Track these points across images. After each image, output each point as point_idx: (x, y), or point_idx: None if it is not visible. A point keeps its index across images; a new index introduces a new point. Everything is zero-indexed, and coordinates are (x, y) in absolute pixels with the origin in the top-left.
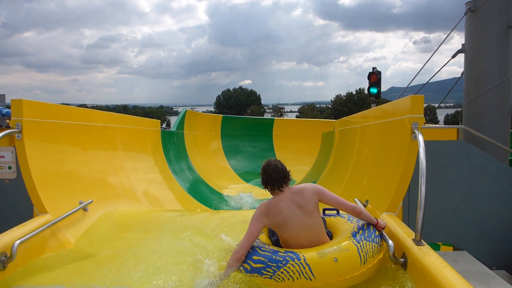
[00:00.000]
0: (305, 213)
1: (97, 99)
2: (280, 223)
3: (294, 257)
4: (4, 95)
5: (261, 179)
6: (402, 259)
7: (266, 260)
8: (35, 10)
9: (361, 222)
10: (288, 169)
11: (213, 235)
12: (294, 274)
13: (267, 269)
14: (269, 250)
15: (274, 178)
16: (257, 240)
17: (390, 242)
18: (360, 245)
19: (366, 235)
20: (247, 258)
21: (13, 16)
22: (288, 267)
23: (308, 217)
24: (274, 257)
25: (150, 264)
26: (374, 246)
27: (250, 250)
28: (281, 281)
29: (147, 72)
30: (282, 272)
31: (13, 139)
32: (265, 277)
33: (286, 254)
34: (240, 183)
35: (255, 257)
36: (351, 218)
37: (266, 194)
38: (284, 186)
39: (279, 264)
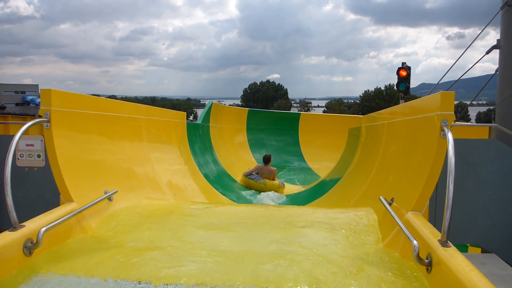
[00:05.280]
0: (269, 173)
1: (127, 90)
2: (260, 172)
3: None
4: (37, 85)
5: (263, 158)
6: (426, 260)
7: (254, 179)
8: (71, 2)
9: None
10: (271, 157)
11: (237, 227)
12: (263, 183)
13: (255, 179)
14: (256, 176)
15: (265, 160)
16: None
17: (415, 242)
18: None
19: (283, 185)
20: (248, 176)
21: (51, 9)
22: (263, 181)
23: (269, 174)
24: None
25: (176, 256)
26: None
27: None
28: (262, 185)
29: (176, 65)
30: (260, 181)
31: (42, 128)
32: (255, 181)
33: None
34: None
35: (252, 175)
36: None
37: (287, 191)
38: (268, 164)
39: (259, 179)
